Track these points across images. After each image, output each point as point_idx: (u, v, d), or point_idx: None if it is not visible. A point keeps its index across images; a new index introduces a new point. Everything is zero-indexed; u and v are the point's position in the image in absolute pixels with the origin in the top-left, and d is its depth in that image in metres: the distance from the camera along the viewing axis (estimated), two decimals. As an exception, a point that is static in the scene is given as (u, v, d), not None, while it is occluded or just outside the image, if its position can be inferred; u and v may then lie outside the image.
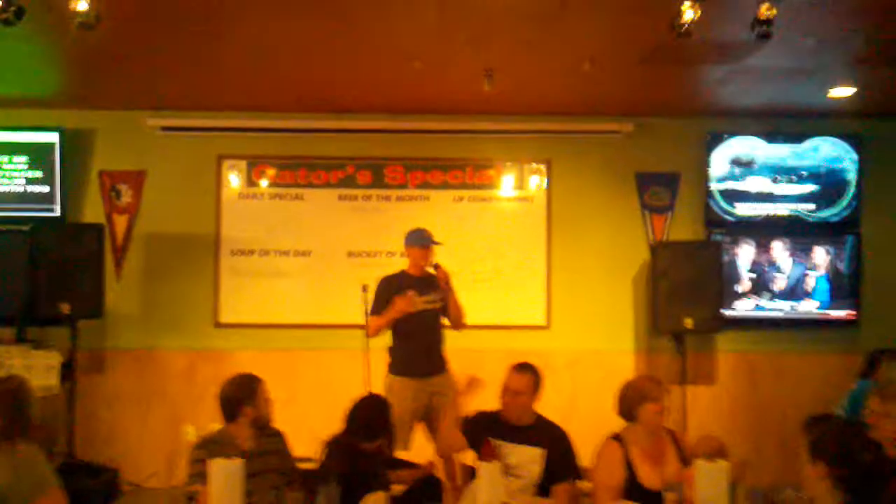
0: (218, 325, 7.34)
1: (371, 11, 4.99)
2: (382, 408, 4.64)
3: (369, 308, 5.96)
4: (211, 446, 4.18)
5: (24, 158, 7.20)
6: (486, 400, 4.93)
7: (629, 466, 4.32)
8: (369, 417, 4.54)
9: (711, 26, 4.80)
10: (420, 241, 5.96)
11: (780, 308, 7.38)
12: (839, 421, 3.67)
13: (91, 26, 4.21)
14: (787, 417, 7.10)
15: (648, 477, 4.28)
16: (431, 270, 5.95)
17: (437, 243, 5.99)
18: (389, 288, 5.90)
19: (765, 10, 4.32)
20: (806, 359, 7.42)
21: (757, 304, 7.38)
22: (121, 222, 7.39)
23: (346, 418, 4.55)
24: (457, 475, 5.05)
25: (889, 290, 7.41)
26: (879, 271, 7.46)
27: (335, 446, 4.47)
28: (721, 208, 7.41)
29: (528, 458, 4.65)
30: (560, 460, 4.69)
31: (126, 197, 7.39)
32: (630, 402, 4.42)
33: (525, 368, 4.81)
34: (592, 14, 5.01)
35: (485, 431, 4.66)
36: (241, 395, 4.36)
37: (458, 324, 6.01)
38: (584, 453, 4.77)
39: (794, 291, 7.39)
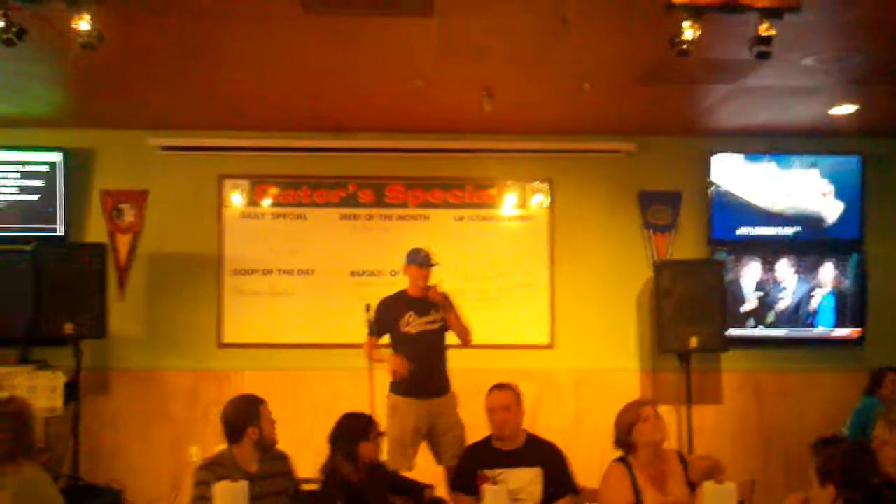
0: (221, 345, 7.32)
1: (372, 31, 5.00)
2: (346, 419, 4.65)
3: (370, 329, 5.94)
4: (215, 468, 4.17)
5: (27, 178, 7.21)
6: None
7: (635, 490, 4.30)
8: (338, 433, 4.56)
9: (711, 45, 4.81)
10: (416, 260, 5.94)
11: (786, 327, 7.36)
12: (847, 443, 3.66)
13: (93, 46, 4.21)
14: (793, 436, 7.09)
15: (654, 501, 4.25)
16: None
17: (433, 264, 5.97)
18: (388, 310, 5.89)
19: (764, 29, 4.33)
20: (811, 378, 7.39)
21: (762, 323, 7.36)
22: (124, 242, 7.38)
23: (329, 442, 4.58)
24: None
25: (894, 307, 7.39)
26: (884, 289, 7.44)
27: (329, 472, 4.46)
28: (723, 227, 7.40)
29: (528, 480, 4.67)
30: (557, 476, 4.72)
31: (129, 216, 7.39)
32: (623, 434, 4.45)
33: (503, 385, 4.92)
34: (592, 34, 5.02)
35: (480, 463, 4.67)
36: (245, 417, 4.35)
37: (465, 341, 6.00)
38: (590, 472, 4.76)
39: (799, 310, 7.37)
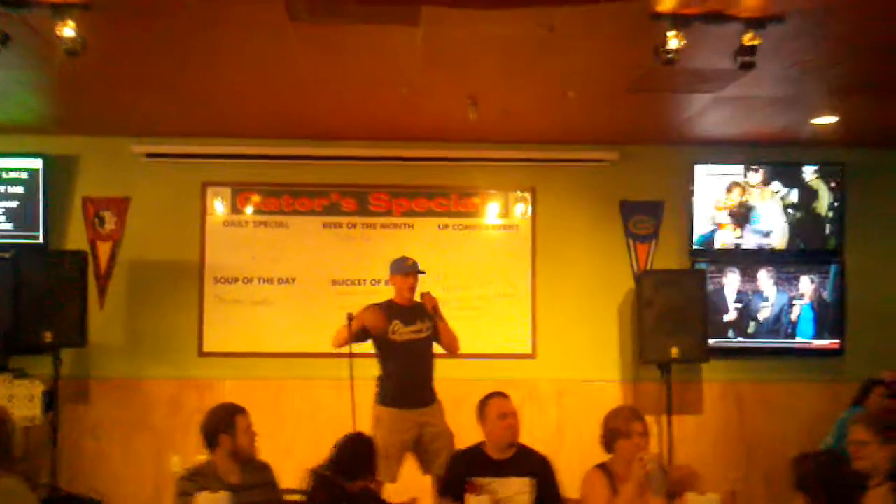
0: (202, 353, 7.27)
1: (357, 40, 5.00)
2: (367, 448, 4.52)
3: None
4: (197, 478, 4.16)
5: (7, 185, 7.15)
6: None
7: (614, 495, 4.34)
8: (353, 458, 4.41)
9: (695, 55, 4.83)
10: (402, 269, 5.95)
11: (766, 337, 7.39)
12: (825, 455, 3.70)
13: (77, 53, 4.20)
14: (773, 446, 7.10)
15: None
16: (419, 299, 5.94)
17: (420, 272, 5.97)
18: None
19: (748, 39, 4.36)
20: (792, 388, 7.40)
21: (743, 334, 7.39)
22: (104, 249, 7.33)
23: (331, 456, 4.45)
24: None
25: (872, 318, 7.43)
26: (863, 300, 7.47)
27: (320, 480, 4.41)
28: (705, 237, 7.42)
29: (518, 489, 4.66)
30: (547, 487, 4.73)
31: (110, 224, 7.34)
32: (607, 438, 4.55)
33: (503, 393, 4.94)
34: (576, 43, 5.03)
35: (470, 471, 4.66)
36: (219, 426, 4.32)
37: (452, 350, 6.00)
38: (572, 483, 4.76)
39: (780, 321, 7.40)
